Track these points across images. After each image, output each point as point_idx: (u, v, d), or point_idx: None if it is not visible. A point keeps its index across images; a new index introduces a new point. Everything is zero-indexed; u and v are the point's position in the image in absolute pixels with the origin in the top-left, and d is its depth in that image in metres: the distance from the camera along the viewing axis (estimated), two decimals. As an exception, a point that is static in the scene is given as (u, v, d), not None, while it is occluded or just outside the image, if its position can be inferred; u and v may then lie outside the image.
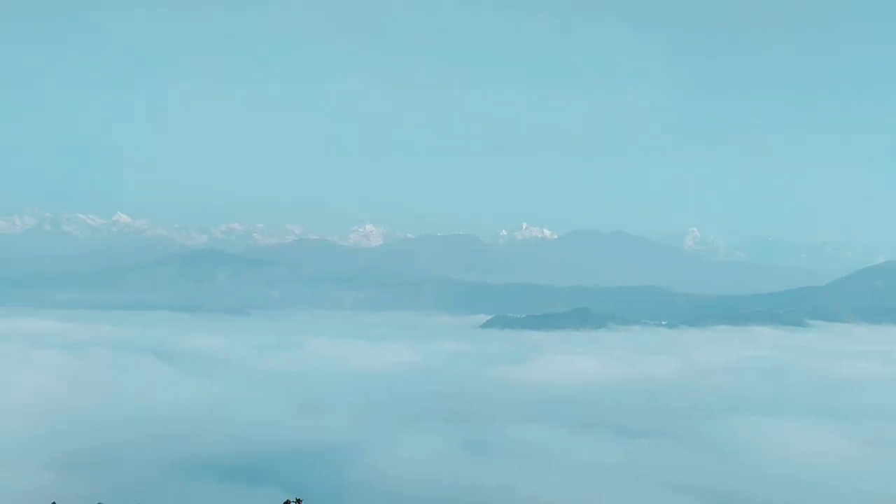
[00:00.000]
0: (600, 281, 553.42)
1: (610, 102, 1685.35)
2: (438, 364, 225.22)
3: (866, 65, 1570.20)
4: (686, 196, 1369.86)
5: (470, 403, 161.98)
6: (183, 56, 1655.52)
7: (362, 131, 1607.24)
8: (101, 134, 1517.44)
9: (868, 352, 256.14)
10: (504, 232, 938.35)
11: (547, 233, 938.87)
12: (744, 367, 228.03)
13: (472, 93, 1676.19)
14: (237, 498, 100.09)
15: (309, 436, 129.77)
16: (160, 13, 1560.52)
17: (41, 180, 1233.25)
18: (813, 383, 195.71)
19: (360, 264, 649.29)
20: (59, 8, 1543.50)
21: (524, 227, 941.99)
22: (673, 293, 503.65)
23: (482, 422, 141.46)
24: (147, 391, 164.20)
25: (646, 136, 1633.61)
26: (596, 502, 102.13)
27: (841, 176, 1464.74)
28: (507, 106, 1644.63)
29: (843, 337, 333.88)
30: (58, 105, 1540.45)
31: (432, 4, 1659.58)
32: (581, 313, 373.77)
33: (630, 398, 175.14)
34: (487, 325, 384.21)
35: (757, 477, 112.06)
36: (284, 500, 40.63)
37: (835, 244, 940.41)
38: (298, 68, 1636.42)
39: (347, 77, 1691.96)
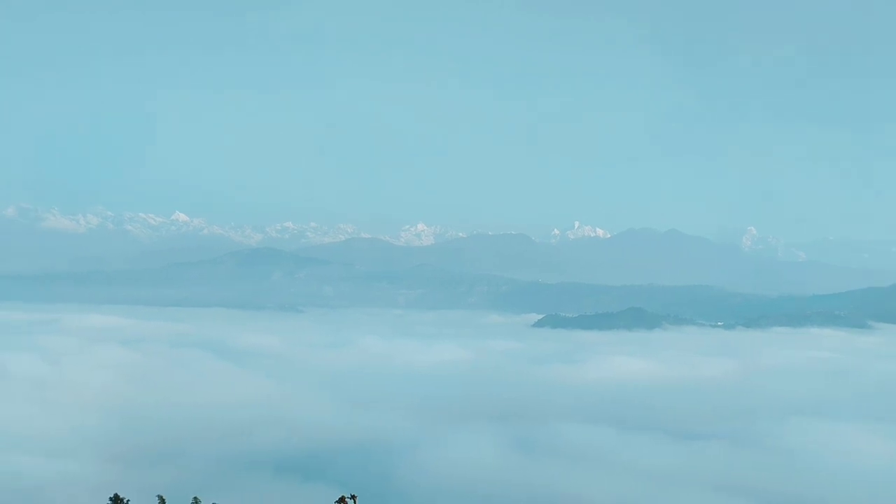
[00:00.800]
0: (654, 280, 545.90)
1: (661, 101, 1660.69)
2: (490, 363, 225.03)
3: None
4: (744, 194, 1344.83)
5: (521, 403, 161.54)
6: (238, 60, 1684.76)
7: (415, 132, 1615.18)
8: (160, 135, 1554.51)
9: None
10: (556, 231, 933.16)
11: (600, 232, 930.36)
12: (803, 370, 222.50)
13: (523, 95, 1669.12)
14: (292, 493, 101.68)
15: (362, 433, 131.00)
16: (214, 19, 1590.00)
17: (104, 181, 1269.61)
18: (875, 387, 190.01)
19: (412, 263, 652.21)
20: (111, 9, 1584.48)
21: (577, 226, 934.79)
22: (729, 293, 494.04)
23: (534, 421, 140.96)
24: (204, 387, 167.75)
25: (701, 134, 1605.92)
26: (651, 503, 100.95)
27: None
28: (559, 107, 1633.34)
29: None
30: (119, 108, 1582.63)
31: (481, 11, 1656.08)
32: (634, 313, 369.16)
33: (685, 400, 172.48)
34: (539, 324, 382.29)
35: (815, 482, 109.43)
36: (339, 497, 41.17)
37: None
38: (353, 70, 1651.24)
39: (402, 79, 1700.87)
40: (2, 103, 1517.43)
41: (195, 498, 45.21)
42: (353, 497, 44.50)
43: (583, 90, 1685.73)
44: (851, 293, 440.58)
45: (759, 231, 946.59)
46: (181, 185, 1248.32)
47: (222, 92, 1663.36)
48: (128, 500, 43.95)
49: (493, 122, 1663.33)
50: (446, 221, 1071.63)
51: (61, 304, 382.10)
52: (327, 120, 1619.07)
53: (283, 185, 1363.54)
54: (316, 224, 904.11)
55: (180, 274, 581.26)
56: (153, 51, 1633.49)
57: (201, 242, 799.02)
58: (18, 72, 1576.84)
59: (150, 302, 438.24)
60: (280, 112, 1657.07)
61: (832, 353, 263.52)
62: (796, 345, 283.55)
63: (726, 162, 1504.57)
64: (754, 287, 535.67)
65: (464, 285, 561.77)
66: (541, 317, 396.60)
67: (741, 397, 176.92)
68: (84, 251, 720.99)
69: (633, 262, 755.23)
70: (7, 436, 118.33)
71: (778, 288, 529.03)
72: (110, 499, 43.00)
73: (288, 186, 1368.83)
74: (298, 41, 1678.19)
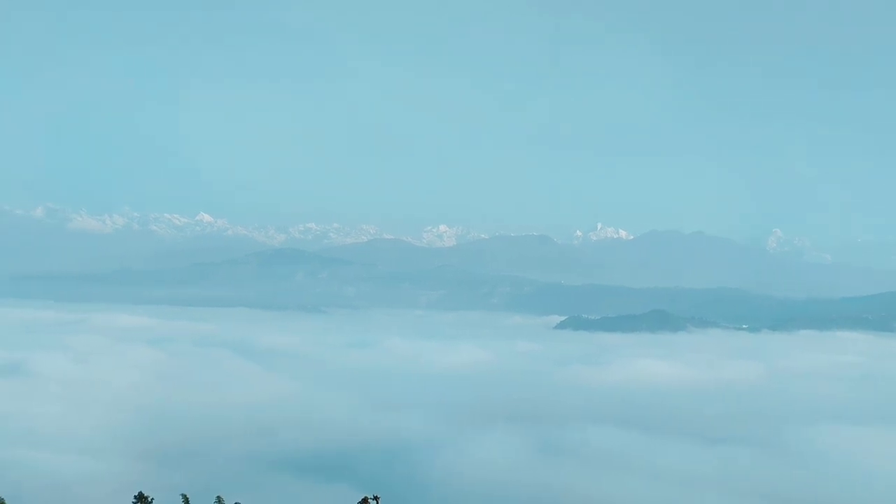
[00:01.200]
0: (678, 283, 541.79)
1: (686, 101, 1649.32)
2: (512, 364, 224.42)
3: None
4: (770, 196, 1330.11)
5: (544, 405, 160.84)
6: (257, 62, 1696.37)
7: (437, 133, 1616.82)
8: (185, 137, 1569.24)
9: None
10: (579, 232, 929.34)
11: (623, 233, 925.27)
12: (831, 374, 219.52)
13: (545, 94, 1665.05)
14: (315, 493, 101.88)
15: (385, 434, 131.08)
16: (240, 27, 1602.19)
17: (129, 182, 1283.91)
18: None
19: (434, 264, 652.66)
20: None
21: (599, 228, 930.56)
22: (755, 296, 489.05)
23: (557, 423, 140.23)
24: (228, 387, 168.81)
25: (726, 134, 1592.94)
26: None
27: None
28: (581, 107, 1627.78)
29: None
30: (144, 109, 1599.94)
31: (501, 11, 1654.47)
32: (658, 315, 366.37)
33: (710, 404, 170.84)
34: (561, 325, 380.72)
35: (842, 488, 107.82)
36: (362, 498, 41.02)
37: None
38: (377, 71, 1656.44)
39: (424, 79, 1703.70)
40: (28, 105, 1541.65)
41: (218, 497, 45.30)
42: (375, 498, 44.36)
43: (606, 90, 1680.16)
44: (879, 296, 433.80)
45: (785, 233, 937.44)
46: (205, 186, 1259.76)
47: (247, 94, 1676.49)
48: (152, 499, 44.13)
49: (516, 122, 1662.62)
50: (468, 222, 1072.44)
51: (88, 304, 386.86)
52: (350, 121, 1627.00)
53: (306, 186, 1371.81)
54: (338, 225, 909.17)
55: (204, 274, 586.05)
56: (181, 50, 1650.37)
57: (225, 243, 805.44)
58: (44, 73, 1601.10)
59: (175, 302, 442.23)
60: (303, 114, 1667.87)
61: (859, 356, 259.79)
62: (823, 348, 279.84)
63: (752, 163, 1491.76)
64: (780, 289, 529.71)
65: (485, 286, 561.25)
66: (563, 318, 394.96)
67: (767, 401, 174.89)
68: (110, 251, 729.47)
69: (656, 263, 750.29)
70: (37, 434, 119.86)
71: (804, 290, 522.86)
72: (135, 497, 43.19)
73: (311, 187, 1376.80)
74: (321, 41, 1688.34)
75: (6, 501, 38.08)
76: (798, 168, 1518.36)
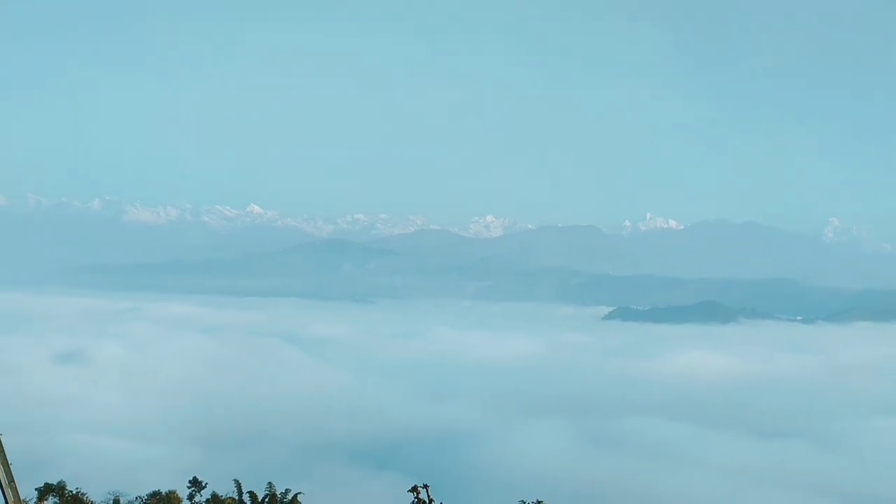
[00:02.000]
0: (730, 273, 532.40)
1: (737, 89, 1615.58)
2: (560, 355, 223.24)
3: None
4: (825, 184, 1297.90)
5: (592, 396, 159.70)
6: (307, 57, 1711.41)
7: (484, 124, 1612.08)
8: (234, 130, 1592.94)
9: None
10: (627, 222, 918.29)
11: (672, 223, 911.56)
12: (889, 367, 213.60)
13: (594, 85, 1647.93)
14: (365, 480, 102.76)
15: (433, 423, 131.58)
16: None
17: (182, 174, 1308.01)
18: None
19: (481, 255, 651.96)
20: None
21: (648, 218, 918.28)
22: (810, 287, 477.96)
23: (605, 415, 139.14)
24: (278, 374, 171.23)
25: (778, 122, 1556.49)
26: (726, 502, 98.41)
27: None
28: (630, 96, 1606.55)
29: None
30: (194, 102, 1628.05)
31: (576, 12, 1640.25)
32: (709, 306, 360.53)
33: (763, 396, 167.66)
34: (609, 316, 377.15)
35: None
36: (412, 486, 41.06)
37: None
38: (426, 65, 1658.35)
39: (471, 71, 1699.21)
40: (86, 98, 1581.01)
41: (269, 483, 45.84)
42: (425, 487, 44.43)
43: (655, 79, 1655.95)
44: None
45: (843, 222, 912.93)
46: (255, 178, 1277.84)
47: (295, 89, 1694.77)
48: (206, 483, 44.89)
49: (563, 113, 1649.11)
50: (515, 213, 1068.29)
51: (142, 294, 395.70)
52: (398, 113, 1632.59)
53: (354, 178, 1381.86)
54: (386, 216, 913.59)
55: (254, 265, 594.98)
56: (232, 46, 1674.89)
57: (274, 234, 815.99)
58: (103, 68, 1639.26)
59: (226, 292, 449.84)
60: (351, 106, 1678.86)
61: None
62: (880, 340, 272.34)
63: (807, 150, 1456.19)
64: (836, 280, 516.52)
65: (533, 277, 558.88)
66: (611, 309, 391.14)
67: (823, 395, 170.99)
68: (164, 242, 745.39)
69: (707, 254, 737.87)
70: (95, 420, 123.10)
71: (861, 281, 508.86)
72: (189, 482, 43.89)
73: (359, 179, 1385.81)
74: (374, 36, 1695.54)
75: (66, 484, 39.09)
76: (856, 155, 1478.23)
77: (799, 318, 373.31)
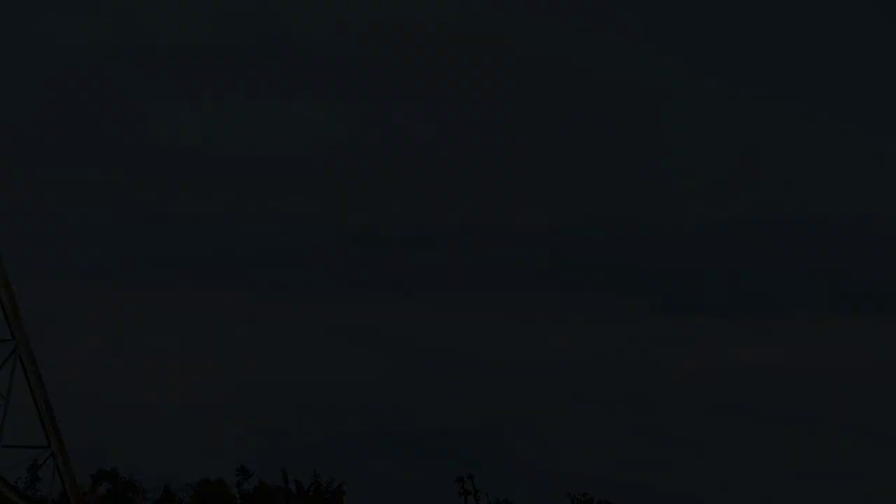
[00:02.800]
0: (787, 264, 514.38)
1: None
2: (611, 346, 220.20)
3: None
4: (876, 175, 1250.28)
5: (644, 388, 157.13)
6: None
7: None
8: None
9: None
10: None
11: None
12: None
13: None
14: (411, 470, 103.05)
15: (479, 412, 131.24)
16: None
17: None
18: None
19: (528, 244, 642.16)
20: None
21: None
22: (863, 280, 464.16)
23: (653, 408, 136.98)
24: (321, 361, 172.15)
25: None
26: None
27: None
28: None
29: None
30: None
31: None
32: (765, 298, 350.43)
33: (825, 393, 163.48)
34: (662, 308, 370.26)
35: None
36: (457, 477, 41.26)
37: None
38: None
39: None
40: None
41: (315, 472, 46.22)
42: (470, 477, 44.57)
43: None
44: None
45: (891, 214, 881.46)
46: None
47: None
48: (254, 472, 45.66)
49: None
50: (560, 204, 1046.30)
51: (188, 282, 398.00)
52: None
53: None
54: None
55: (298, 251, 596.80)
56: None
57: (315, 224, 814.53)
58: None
59: (269, 277, 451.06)
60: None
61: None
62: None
63: (852, 137, 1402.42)
64: (893, 272, 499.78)
65: (583, 266, 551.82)
66: (664, 300, 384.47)
67: (886, 391, 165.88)
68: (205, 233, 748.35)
69: (762, 243, 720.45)
70: (146, 408, 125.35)
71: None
72: (237, 470, 44.67)
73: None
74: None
75: (119, 470, 40.14)
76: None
77: (854, 310, 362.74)
